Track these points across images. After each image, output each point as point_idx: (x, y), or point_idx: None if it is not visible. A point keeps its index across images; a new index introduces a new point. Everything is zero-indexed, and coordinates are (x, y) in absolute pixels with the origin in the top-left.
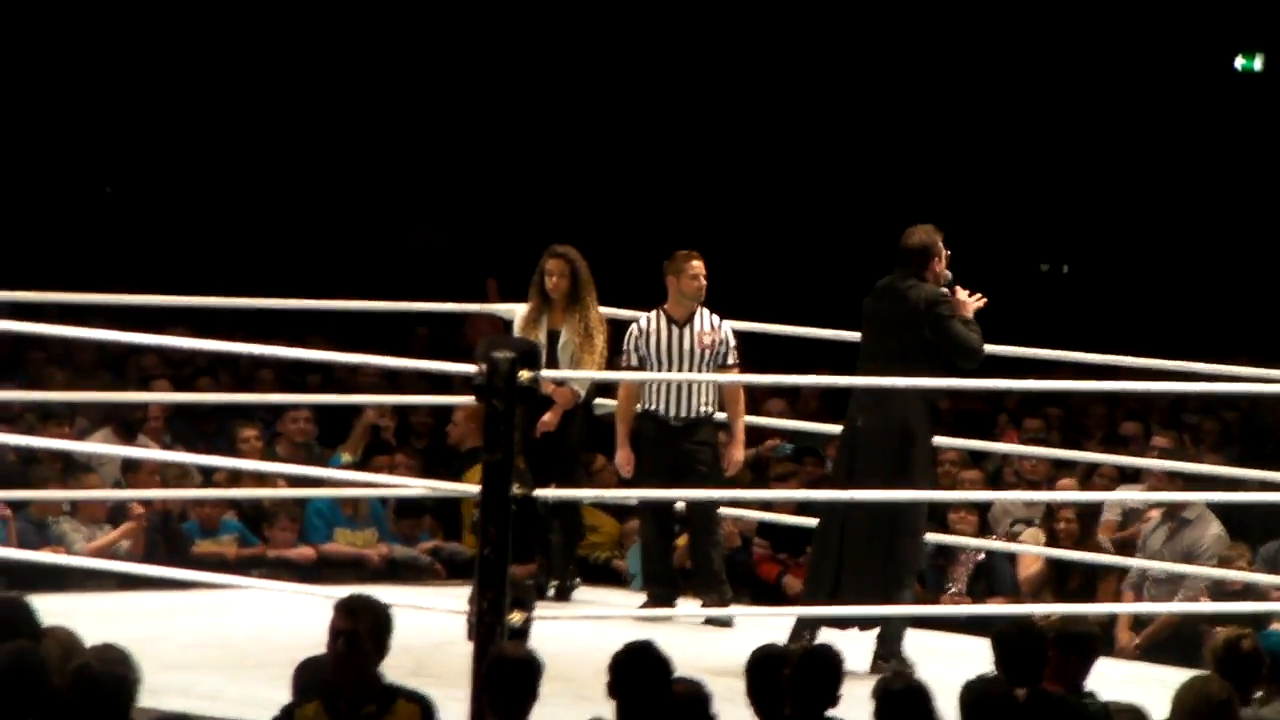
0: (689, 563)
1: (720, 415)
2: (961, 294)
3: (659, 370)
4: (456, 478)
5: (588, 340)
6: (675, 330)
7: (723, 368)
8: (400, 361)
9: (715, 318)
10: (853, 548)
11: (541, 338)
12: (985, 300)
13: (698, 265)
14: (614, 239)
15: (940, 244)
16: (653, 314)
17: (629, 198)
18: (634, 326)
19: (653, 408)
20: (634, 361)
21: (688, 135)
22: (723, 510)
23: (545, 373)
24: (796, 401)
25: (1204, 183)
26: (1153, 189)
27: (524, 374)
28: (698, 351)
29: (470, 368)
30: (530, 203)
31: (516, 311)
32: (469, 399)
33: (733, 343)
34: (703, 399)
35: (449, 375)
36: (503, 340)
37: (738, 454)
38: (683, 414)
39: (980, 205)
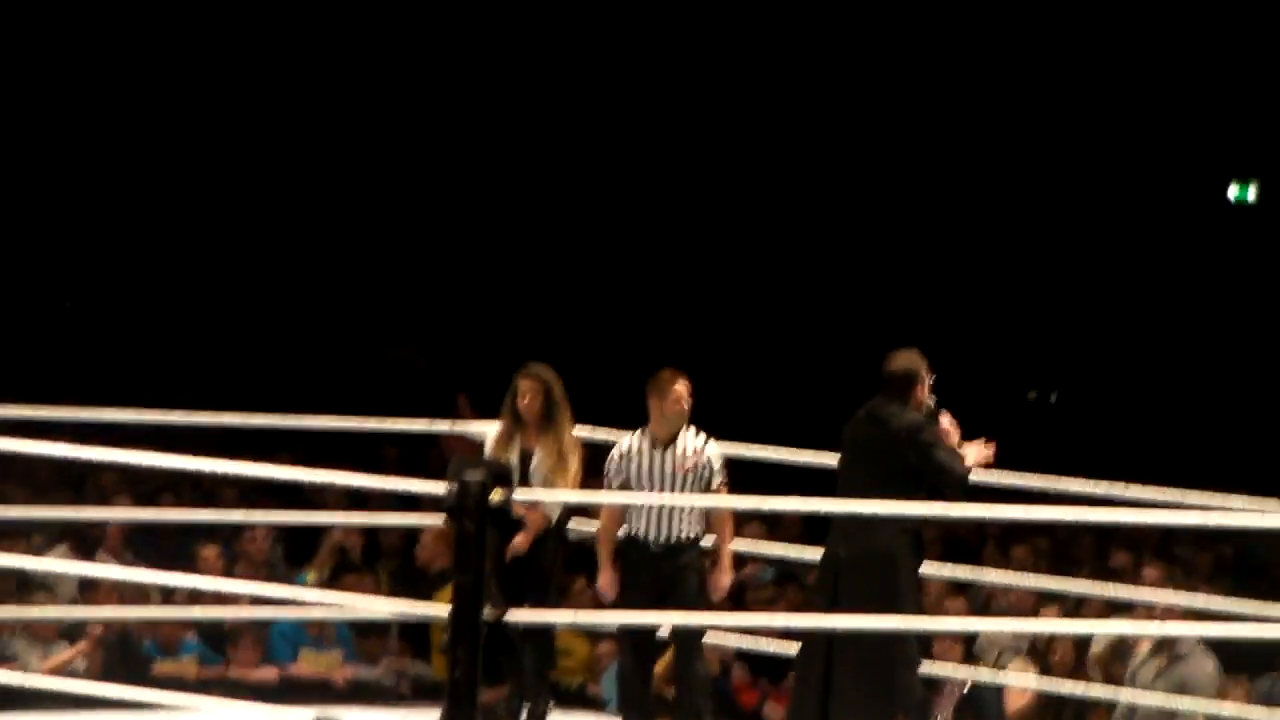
0: (668, 688)
1: (707, 540)
2: (945, 420)
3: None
4: (425, 599)
5: (561, 462)
6: (657, 453)
7: (708, 491)
8: (368, 480)
9: (701, 439)
10: (841, 678)
11: (514, 458)
12: (993, 451)
13: (681, 388)
14: (589, 357)
15: (924, 369)
16: (634, 436)
17: (605, 315)
18: (616, 450)
19: (635, 532)
20: (616, 485)
21: (668, 253)
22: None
23: (518, 494)
24: (777, 526)
25: (1196, 312)
26: (1143, 317)
27: (496, 495)
28: (680, 475)
29: (440, 488)
30: (503, 319)
31: (488, 430)
32: (438, 519)
33: (717, 465)
34: (686, 522)
35: (418, 495)
36: (474, 460)
37: (724, 579)
38: (666, 538)
39: (968, 332)
